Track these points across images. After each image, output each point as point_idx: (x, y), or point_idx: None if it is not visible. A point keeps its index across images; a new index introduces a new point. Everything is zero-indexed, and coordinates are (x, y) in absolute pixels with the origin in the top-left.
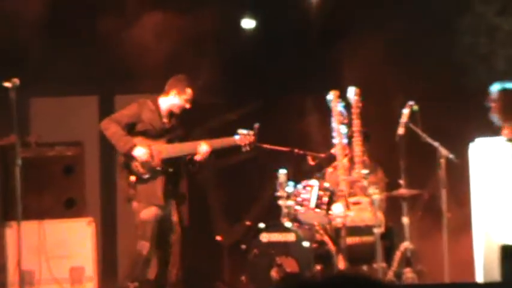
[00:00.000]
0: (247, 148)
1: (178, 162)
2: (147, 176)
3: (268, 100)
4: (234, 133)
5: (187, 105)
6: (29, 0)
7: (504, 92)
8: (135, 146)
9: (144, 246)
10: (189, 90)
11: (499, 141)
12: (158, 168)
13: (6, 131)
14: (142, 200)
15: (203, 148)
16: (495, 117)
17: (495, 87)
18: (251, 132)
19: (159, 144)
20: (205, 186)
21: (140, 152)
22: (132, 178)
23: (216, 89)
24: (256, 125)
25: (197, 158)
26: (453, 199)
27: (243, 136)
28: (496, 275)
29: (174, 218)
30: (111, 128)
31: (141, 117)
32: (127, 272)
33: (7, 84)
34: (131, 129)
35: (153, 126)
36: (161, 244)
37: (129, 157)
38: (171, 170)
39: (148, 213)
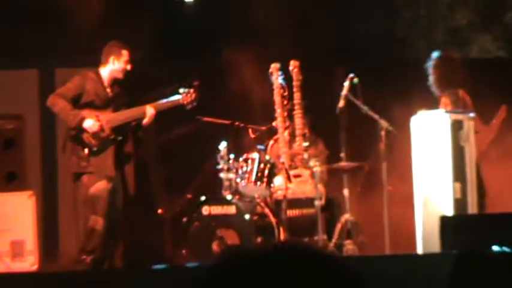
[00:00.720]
0: (191, 106)
1: (126, 130)
2: (99, 147)
3: (209, 73)
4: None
5: (129, 67)
6: None
7: (442, 59)
8: (84, 118)
9: (98, 221)
10: (125, 52)
11: (440, 113)
12: (110, 137)
13: None
14: (94, 172)
15: (149, 111)
16: (433, 87)
17: (434, 55)
18: (191, 90)
19: (107, 114)
20: (147, 159)
21: (90, 123)
22: (86, 151)
23: (154, 62)
24: (196, 82)
25: (144, 122)
26: (395, 171)
27: (185, 95)
28: (436, 246)
29: (122, 188)
30: (59, 104)
31: (86, 88)
32: (82, 246)
33: None
34: (76, 102)
35: (98, 96)
36: (109, 216)
37: (80, 130)
38: (120, 138)
39: (98, 187)
